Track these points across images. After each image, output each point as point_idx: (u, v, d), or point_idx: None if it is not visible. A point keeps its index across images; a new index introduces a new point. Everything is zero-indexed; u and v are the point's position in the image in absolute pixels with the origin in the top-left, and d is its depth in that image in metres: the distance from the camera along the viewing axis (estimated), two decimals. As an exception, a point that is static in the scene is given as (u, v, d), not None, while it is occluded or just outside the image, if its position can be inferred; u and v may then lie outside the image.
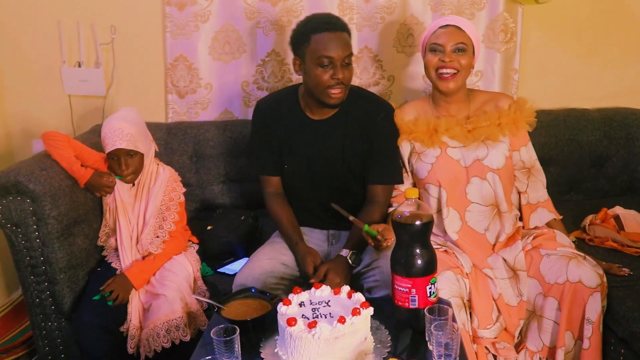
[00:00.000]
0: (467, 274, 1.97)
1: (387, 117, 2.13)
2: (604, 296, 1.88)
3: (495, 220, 2.07)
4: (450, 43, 2.02)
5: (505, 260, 2.03)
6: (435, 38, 2.05)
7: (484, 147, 2.06)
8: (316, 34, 1.98)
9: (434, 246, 1.91)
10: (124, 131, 2.09)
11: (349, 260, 1.98)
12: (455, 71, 2.03)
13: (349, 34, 2.04)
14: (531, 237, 2.06)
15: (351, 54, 2.00)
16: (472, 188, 2.06)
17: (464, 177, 2.06)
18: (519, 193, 2.18)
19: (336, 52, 1.95)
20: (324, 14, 2.13)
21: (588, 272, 1.87)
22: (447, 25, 2.05)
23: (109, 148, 2.10)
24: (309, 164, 2.12)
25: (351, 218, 1.95)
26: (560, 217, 2.19)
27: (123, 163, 2.12)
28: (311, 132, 2.11)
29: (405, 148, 2.15)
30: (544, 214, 2.16)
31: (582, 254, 1.97)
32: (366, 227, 1.90)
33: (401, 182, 2.18)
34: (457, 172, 2.06)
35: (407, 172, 2.18)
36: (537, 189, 2.17)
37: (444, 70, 2.03)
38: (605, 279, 1.90)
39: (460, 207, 2.07)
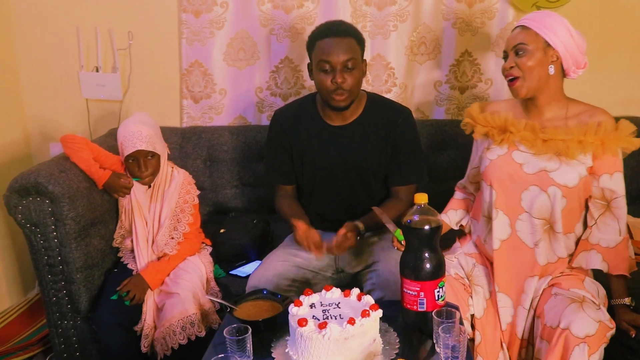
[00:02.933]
0: (472, 316, 1.83)
1: (406, 121, 2.14)
2: (594, 349, 1.60)
3: (546, 238, 1.82)
4: (511, 46, 1.84)
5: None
6: (506, 43, 1.89)
7: (556, 160, 1.78)
8: (320, 40, 2.02)
9: (453, 276, 1.90)
10: (143, 133, 2.13)
11: (360, 227, 2.01)
12: (515, 76, 1.83)
13: (359, 39, 2.05)
14: (556, 275, 1.84)
15: (353, 59, 1.99)
16: (528, 195, 1.80)
17: (522, 182, 1.81)
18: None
19: (334, 57, 1.97)
20: (334, 21, 2.13)
21: (582, 320, 1.62)
22: (515, 28, 1.88)
23: (128, 150, 2.13)
24: (329, 169, 2.14)
25: (384, 220, 1.94)
26: (624, 274, 1.82)
27: (142, 165, 2.16)
28: (330, 137, 2.13)
29: (481, 144, 1.98)
30: (594, 259, 1.81)
31: (597, 303, 1.71)
32: (397, 232, 1.89)
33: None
34: (514, 174, 1.82)
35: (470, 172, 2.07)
36: (605, 230, 1.81)
37: (508, 79, 1.86)
38: (610, 334, 1.66)
39: (512, 213, 1.83)
